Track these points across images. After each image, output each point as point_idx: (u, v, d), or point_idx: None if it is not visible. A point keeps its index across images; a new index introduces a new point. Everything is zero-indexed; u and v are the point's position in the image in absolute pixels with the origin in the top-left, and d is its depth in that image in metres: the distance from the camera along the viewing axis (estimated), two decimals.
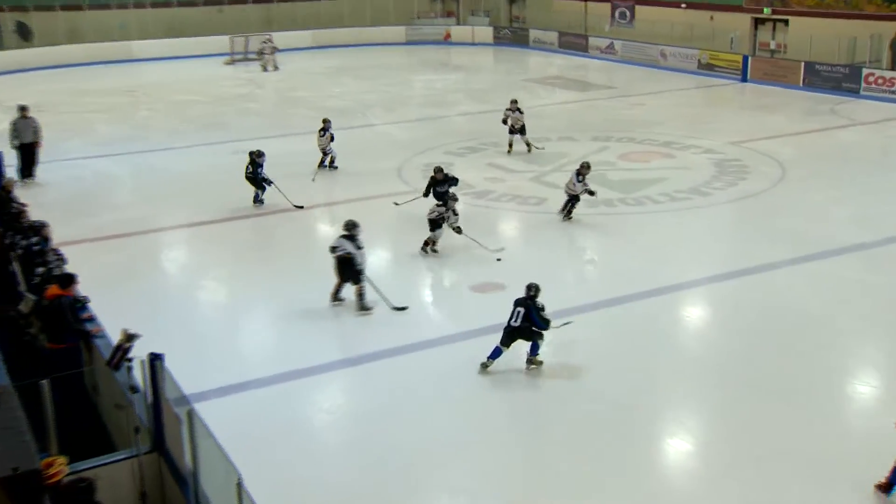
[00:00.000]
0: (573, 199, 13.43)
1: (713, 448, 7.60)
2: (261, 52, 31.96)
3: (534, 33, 37.08)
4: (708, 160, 17.14)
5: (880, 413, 8.20)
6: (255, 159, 14.38)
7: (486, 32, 38.82)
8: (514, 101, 18.38)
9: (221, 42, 34.34)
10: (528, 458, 7.52)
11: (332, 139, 16.75)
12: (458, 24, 39.85)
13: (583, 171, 13.30)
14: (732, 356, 9.16)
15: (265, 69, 31.65)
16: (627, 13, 33.80)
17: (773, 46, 28.29)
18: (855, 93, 23.55)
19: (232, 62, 33.69)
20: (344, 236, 10.16)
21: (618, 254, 12.30)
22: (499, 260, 11.74)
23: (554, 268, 11.65)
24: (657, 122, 21.24)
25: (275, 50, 31.93)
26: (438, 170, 13.13)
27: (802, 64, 25.26)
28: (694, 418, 8.17)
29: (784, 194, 14.95)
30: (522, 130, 18.05)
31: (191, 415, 5.30)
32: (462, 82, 29.19)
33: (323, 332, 9.91)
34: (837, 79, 24.26)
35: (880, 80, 23.12)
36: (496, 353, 8.69)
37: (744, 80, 26.96)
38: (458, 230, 11.91)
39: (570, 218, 13.46)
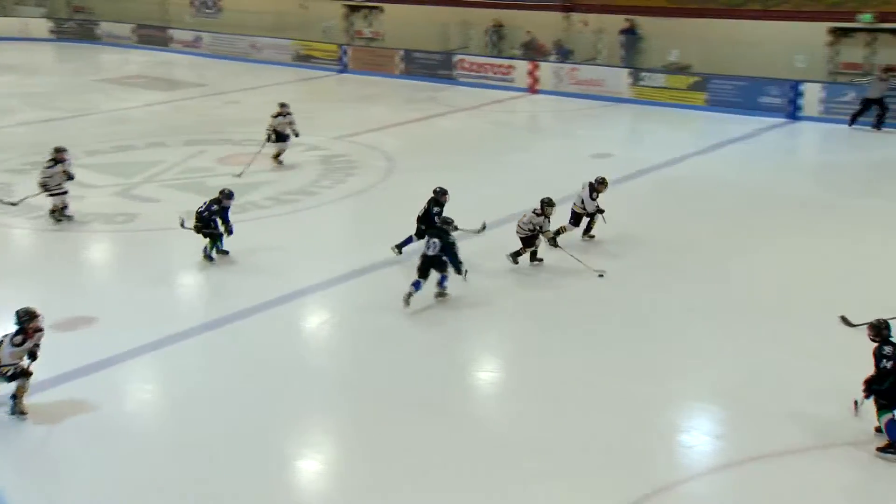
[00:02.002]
0: (589, 217, 12.67)
1: (346, 469, 7.98)
2: None
3: (104, 26, 35.47)
4: (314, 157, 17.86)
5: (507, 399, 9.30)
6: (224, 201, 12.14)
7: (40, 26, 36.12)
8: (284, 105, 17.33)
9: None
10: None
11: (68, 177, 13.83)
12: (4, 16, 36.57)
13: (599, 187, 12.49)
14: (359, 364, 9.70)
15: None
16: (211, 2, 33.81)
17: (369, 34, 30.34)
18: (450, 79, 26.21)
19: None
20: None
21: (224, 268, 12.25)
22: (601, 276, 11.50)
23: (137, 292, 11.32)
24: (256, 120, 21.36)
25: None
26: (444, 192, 11.94)
27: (399, 52, 27.46)
28: (326, 436, 8.48)
29: (394, 188, 16.12)
30: (285, 138, 17.10)
31: None
32: (16, 86, 26.92)
33: None
34: (433, 66, 26.80)
35: (472, 66, 26.03)
36: (417, 286, 10.50)
37: (343, 70, 28.54)
38: (555, 242, 11.81)
39: (593, 236, 12.84)
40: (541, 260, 11.91)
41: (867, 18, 20.54)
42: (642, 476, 7.37)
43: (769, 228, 13.25)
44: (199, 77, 28.61)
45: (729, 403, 8.56)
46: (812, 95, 20.16)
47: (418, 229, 12.06)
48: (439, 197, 11.95)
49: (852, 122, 19.26)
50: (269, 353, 9.77)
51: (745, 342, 9.72)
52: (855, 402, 7.91)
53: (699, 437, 8.16)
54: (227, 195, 12.20)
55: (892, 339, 7.58)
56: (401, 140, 19.74)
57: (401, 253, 12.22)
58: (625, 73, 23.12)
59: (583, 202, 12.59)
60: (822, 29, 21.24)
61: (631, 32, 23.95)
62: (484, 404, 9.10)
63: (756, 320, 10.22)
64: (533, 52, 25.39)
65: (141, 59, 31.82)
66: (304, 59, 29.46)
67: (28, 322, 8.28)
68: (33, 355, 8.41)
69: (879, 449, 7.49)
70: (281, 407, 8.66)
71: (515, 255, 11.86)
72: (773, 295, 10.91)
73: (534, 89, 24.59)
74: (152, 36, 33.92)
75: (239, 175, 16.17)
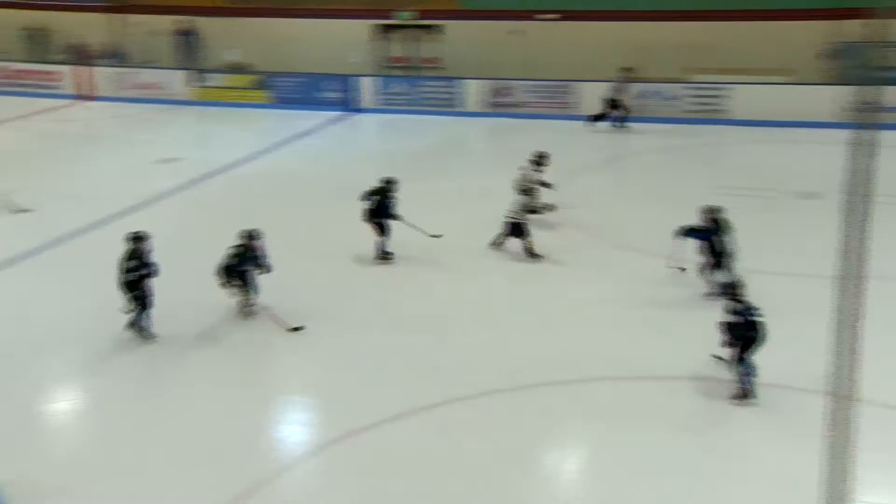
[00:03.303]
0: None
1: None
2: None
3: None
4: None
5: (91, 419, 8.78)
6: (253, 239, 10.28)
7: None
8: None
9: None
10: None
11: None
12: None
13: (543, 161, 13.47)
14: None
15: None
16: None
17: None
18: None
19: None
20: None
21: None
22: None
23: None
24: None
25: None
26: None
27: None
28: None
29: None
30: None
31: None
32: None
33: None
34: None
35: (9, 74, 23.97)
36: None
37: None
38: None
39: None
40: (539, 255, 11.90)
41: (405, 16, 22.39)
42: (237, 476, 7.37)
43: (347, 213, 13.70)
44: None
45: (320, 392, 8.98)
46: (367, 89, 21.59)
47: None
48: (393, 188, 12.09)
49: (623, 121, 18.91)
50: None
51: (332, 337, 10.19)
52: (719, 358, 8.62)
53: (291, 427, 8.45)
54: (255, 236, 10.33)
55: (742, 298, 8.26)
56: None
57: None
58: (183, 75, 22.80)
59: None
60: (367, 26, 22.73)
61: (188, 34, 23.60)
62: (71, 425, 8.54)
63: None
64: (82, 56, 23.91)
65: None
66: None
67: None
68: None
69: (734, 398, 8.30)
70: None
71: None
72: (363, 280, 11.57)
73: (88, 96, 23.27)
74: None
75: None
